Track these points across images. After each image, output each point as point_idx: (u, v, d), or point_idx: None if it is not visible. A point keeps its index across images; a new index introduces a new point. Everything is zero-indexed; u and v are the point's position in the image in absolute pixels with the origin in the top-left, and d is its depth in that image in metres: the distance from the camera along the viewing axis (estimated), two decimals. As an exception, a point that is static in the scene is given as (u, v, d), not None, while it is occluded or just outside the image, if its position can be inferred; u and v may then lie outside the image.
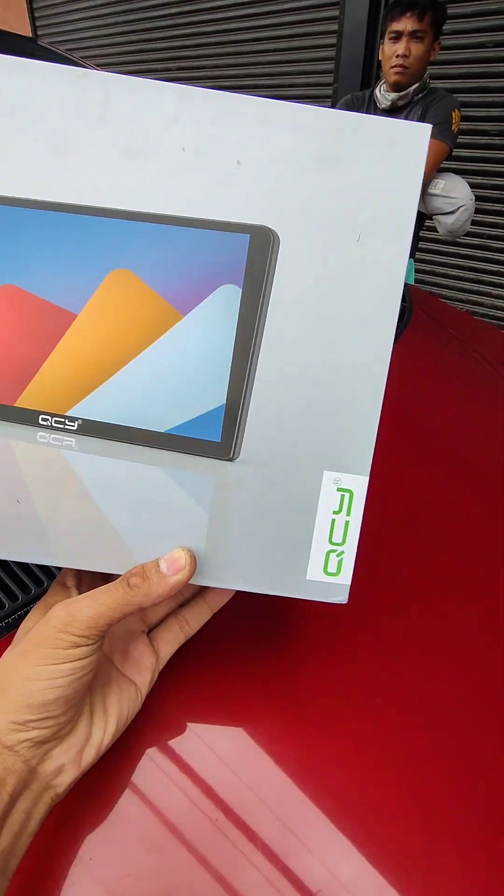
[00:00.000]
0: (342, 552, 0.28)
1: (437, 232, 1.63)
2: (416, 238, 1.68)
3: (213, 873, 0.27)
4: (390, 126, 0.26)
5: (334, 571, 0.28)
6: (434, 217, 1.57)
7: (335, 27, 2.52)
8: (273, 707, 0.33)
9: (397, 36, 1.41)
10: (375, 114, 1.57)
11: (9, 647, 0.28)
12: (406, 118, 1.51)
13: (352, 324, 0.27)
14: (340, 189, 0.26)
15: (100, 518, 0.28)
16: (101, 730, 0.28)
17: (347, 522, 0.28)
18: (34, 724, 0.25)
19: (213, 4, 2.94)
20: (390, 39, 1.43)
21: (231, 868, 0.27)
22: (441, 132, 1.45)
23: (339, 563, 0.28)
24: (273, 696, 0.34)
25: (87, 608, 0.25)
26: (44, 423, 0.27)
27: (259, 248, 0.26)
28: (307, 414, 0.27)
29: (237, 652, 0.35)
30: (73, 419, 0.27)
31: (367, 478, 0.28)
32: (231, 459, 0.27)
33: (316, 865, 0.27)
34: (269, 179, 0.26)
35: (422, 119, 1.48)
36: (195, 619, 0.33)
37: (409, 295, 0.88)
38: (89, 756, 0.27)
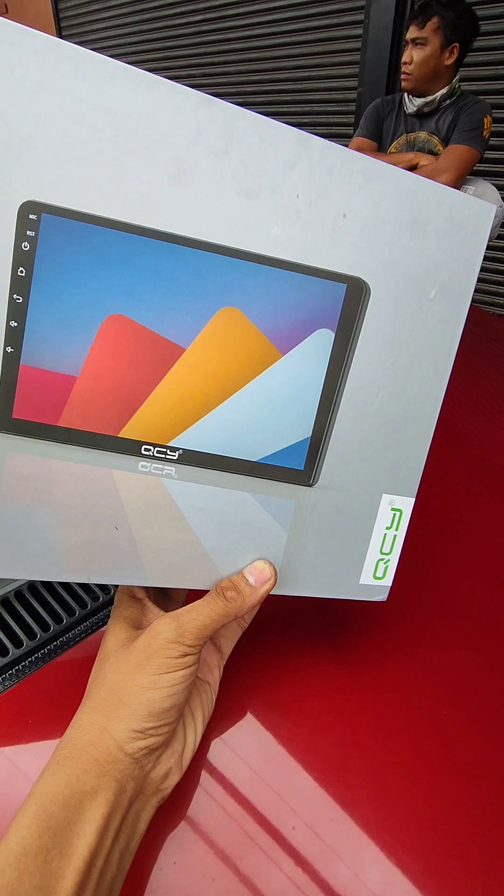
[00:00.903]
0: (388, 560, 0.33)
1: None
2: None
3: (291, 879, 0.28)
4: (463, 200, 0.29)
5: (381, 576, 0.33)
6: (463, 221, 1.57)
7: (360, 31, 2.52)
8: (335, 711, 0.35)
9: (406, 44, 1.46)
10: (404, 118, 1.57)
11: (99, 661, 0.29)
12: (436, 124, 1.51)
13: (418, 370, 0.30)
14: (424, 252, 0.29)
15: (191, 540, 0.30)
16: (193, 732, 0.30)
17: (395, 536, 0.33)
18: (152, 731, 0.27)
19: (237, 11, 2.97)
20: (404, 48, 1.47)
21: (309, 875, 0.28)
22: (472, 138, 1.45)
23: (386, 568, 0.33)
24: (331, 699, 0.35)
25: (195, 620, 0.28)
26: (146, 452, 0.28)
27: (353, 297, 0.28)
28: (373, 445, 0.31)
29: (289, 649, 0.37)
30: (174, 449, 0.28)
31: (414, 499, 0.32)
32: (311, 485, 0.31)
33: (397, 877, 0.29)
34: (367, 234, 0.28)
35: (453, 124, 1.48)
36: (249, 613, 0.35)
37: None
38: (188, 758, 0.29)
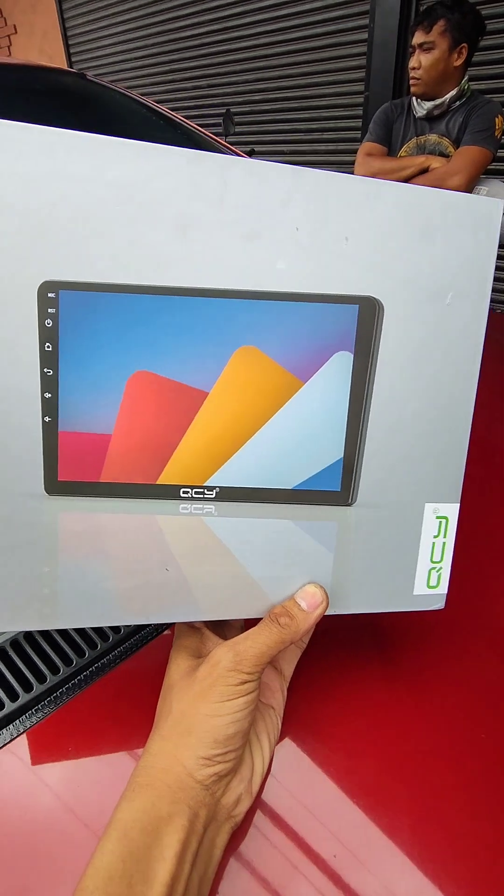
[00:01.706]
0: (441, 567, 0.32)
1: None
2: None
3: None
4: (468, 202, 0.29)
5: (435, 584, 0.33)
6: (476, 222, 1.55)
7: (365, 36, 2.52)
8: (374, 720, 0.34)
9: (413, 50, 1.45)
10: (413, 122, 1.56)
11: (164, 691, 0.30)
12: (446, 126, 1.50)
13: (445, 376, 0.30)
14: (434, 260, 0.29)
15: (240, 573, 0.30)
16: (261, 758, 0.31)
17: (444, 543, 0.32)
18: (219, 757, 0.27)
19: (242, 21, 2.99)
20: (410, 53, 1.47)
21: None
22: (484, 139, 1.43)
23: (439, 577, 0.33)
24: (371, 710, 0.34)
25: (252, 648, 0.29)
26: (185, 495, 0.29)
27: (366, 316, 0.29)
28: (409, 458, 0.31)
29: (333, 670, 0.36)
30: (211, 488, 0.29)
31: (459, 503, 0.32)
32: (349, 504, 0.31)
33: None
34: (373, 253, 0.28)
35: (464, 126, 1.47)
36: (305, 636, 0.35)
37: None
38: (257, 784, 0.30)
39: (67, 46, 4.22)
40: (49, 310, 0.26)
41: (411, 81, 1.49)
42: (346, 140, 2.84)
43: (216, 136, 1.22)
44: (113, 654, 0.38)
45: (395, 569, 0.32)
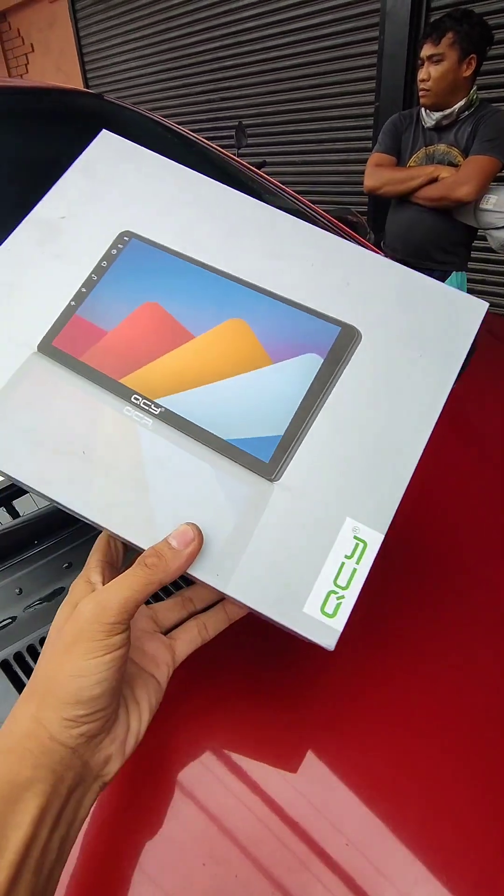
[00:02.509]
0: (343, 596, 0.28)
1: (486, 241, 1.63)
2: (468, 251, 1.67)
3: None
4: (456, 296, 0.35)
5: (330, 613, 0.28)
6: (486, 231, 1.56)
7: (375, 48, 2.55)
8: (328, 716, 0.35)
9: (421, 62, 1.47)
10: (422, 132, 1.59)
11: (42, 650, 0.30)
12: (455, 136, 1.52)
13: (401, 414, 0.32)
14: (414, 323, 0.35)
15: (141, 491, 0.31)
16: (137, 719, 0.30)
17: (355, 570, 0.29)
18: (85, 718, 0.26)
19: (254, 36, 3.04)
20: (418, 66, 1.49)
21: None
22: (493, 148, 1.45)
23: (337, 606, 0.28)
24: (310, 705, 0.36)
25: (116, 594, 0.27)
26: (134, 401, 0.33)
27: (345, 338, 0.34)
28: (348, 465, 0.31)
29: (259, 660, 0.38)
30: (158, 406, 0.32)
31: (383, 536, 0.30)
32: (272, 480, 0.31)
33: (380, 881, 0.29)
34: (364, 300, 0.35)
35: (472, 135, 1.48)
36: (213, 625, 0.34)
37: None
38: (131, 745, 0.29)
39: (83, 63, 4.32)
40: (118, 245, 0.37)
41: (421, 93, 1.51)
42: (356, 150, 2.87)
43: (228, 148, 1.25)
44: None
45: (291, 570, 0.29)
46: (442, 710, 0.36)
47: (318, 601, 0.28)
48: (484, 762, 0.34)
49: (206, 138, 1.20)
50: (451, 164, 1.55)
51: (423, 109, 1.57)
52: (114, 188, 0.38)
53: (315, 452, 0.31)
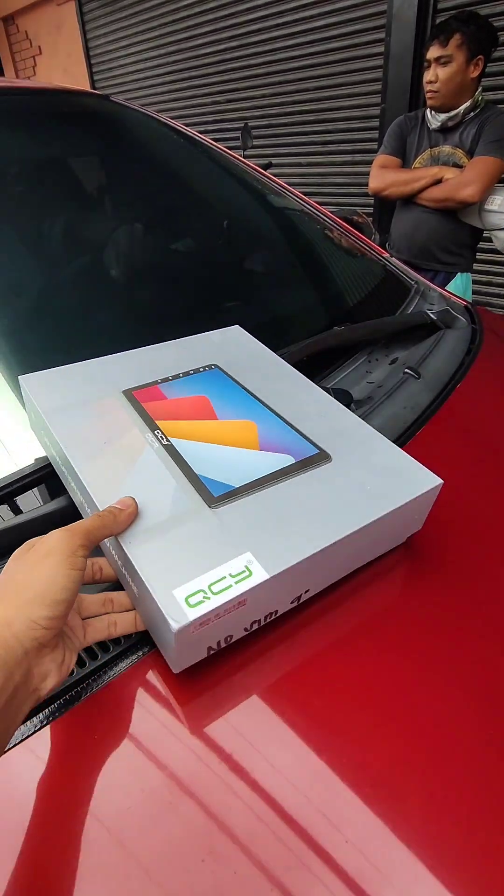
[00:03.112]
0: (209, 597, 0.34)
1: (491, 242, 1.63)
2: (474, 252, 1.67)
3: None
4: (418, 470, 0.44)
5: (192, 604, 0.34)
6: (491, 232, 1.56)
7: (381, 50, 2.56)
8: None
9: (428, 64, 1.47)
10: (427, 133, 1.59)
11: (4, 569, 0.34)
12: (460, 137, 1.52)
13: (327, 512, 0.40)
14: (373, 472, 0.44)
15: (124, 473, 0.42)
16: (68, 657, 0.34)
17: (230, 586, 0.34)
18: (46, 622, 0.31)
19: (260, 38, 3.05)
20: (425, 68, 1.49)
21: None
22: (497, 148, 1.45)
23: (199, 602, 0.34)
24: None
25: (81, 525, 0.35)
26: (155, 433, 0.46)
27: (318, 457, 0.44)
28: (272, 525, 0.39)
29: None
30: (167, 440, 0.45)
31: (268, 577, 0.35)
32: (210, 507, 0.40)
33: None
34: (349, 447, 0.46)
35: (477, 136, 1.48)
36: (121, 626, 0.39)
37: (477, 316, 0.89)
38: (65, 672, 0.33)
39: (90, 66, 4.34)
40: (203, 369, 0.55)
41: (428, 95, 1.51)
42: (362, 152, 2.87)
43: (234, 149, 1.26)
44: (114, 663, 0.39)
45: (186, 562, 0.36)
46: (445, 709, 0.36)
47: (187, 592, 0.34)
48: (486, 760, 0.34)
49: (211, 139, 1.20)
50: (455, 165, 1.55)
51: (428, 111, 1.57)
52: (224, 351, 0.58)
53: (253, 508, 0.40)
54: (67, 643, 0.35)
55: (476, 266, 1.75)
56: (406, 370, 0.70)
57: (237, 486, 0.41)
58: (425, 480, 0.43)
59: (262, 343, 0.60)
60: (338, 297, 0.94)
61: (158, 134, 1.11)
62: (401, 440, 0.60)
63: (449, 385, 0.70)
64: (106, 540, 0.39)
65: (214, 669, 0.38)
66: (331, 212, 1.15)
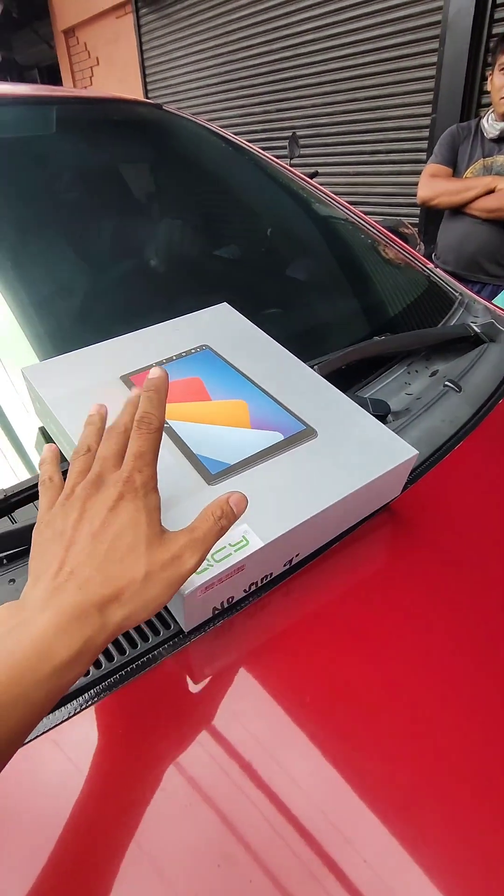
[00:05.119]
0: (212, 565, 0.37)
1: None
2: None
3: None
4: (395, 441, 0.47)
5: (198, 571, 0.36)
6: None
7: (434, 59, 2.53)
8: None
9: (490, 71, 1.44)
10: (481, 143, 1.56)
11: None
12: (516, 147, 1.49)
13: (312, 484, 0.43)
14: (356, 446, 0.47)
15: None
16: None
17: (230, 554, 0.38)
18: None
19: (313, 48, 3.07)
20: (500, 71, 1.44)
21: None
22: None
23: (205, 569, 0.37)
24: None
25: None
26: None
27: (304, 433, 0.47)
28: (263, 496, 0.41)
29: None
30: (166, 423, 0.46)
31: (263, 545, 0.39)
32: (209, 484, 0.43)
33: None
34: (335, 422, 0.49)
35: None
36: None
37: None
38: None
39: (144, 75, 4.46)
40: (195, 350, 0.56)
41: (497, 102, 1.47)
42: (410, 162, 2.85)
43: (282, 158, 1.27)
44: (167, 645, 0.40)
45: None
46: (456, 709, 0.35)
47: None
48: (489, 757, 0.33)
49: (259, 148, 1.21)
50: (509, 175, 1.51)
51: (484, 120, 1.54)
52: (214, 331, 0.59)
53: (247, 483, 0.43)
54: None
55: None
56: (446, 383, 0.69)
57: (231, 463, 0.44)
58: (402, 451, 0.46)
59: (288, 348, 0.61)
60: (379, 306, 0.93)
61: (208, 142, 1.13)
62: (437, 454, 0.58)
63: (491, 400, 0.68)
64: None
65: (222, 672, 0.38)
66: (377, 222, 1.14)
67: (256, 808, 0.32)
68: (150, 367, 0.52)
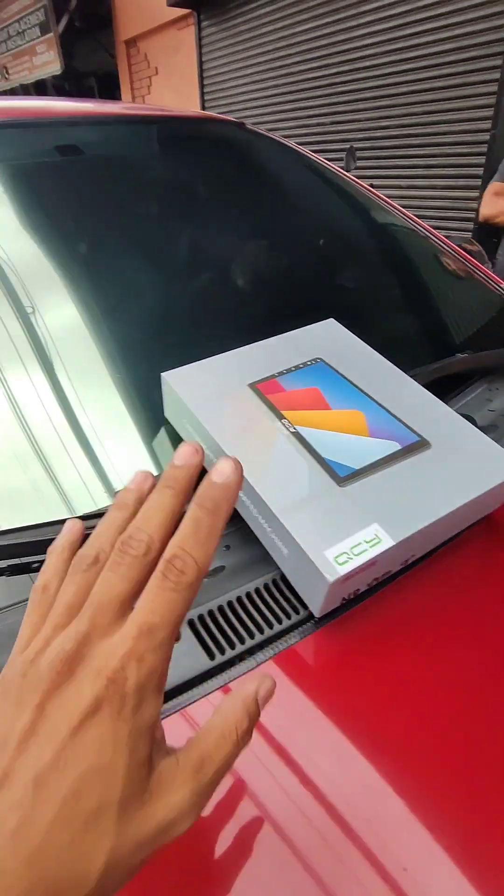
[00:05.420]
0: (352, 558, 0.41)
1: None
2: None
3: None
4: (501, 454, 0.50)
5: (340, 562, 0.41)
6: None
7: (497, 76, 2.54)
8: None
9: None
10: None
11: None
12: None
13: (435, 490, 0.46)
14: (463, 458, 0.49)
15: (261, 459, 0.49)
16: None
17: (365, 550, 0.42)
18: None
19: (371, 63, 3.10)
20: None
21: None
22: None
23: (346, 561, 0.41)
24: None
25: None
26: (283, 423, 0.52)
27: (418, 444, 0.50)
28: (391, 499, 0.45)
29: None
30: (294, 428, 0.51)
31: (394, 544, 0.42)
32: (339, 486, 0.46)
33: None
34: (449, 435, 0.52)
35: None
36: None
37: None
38: None
39: (202, 86, 4.56)
40: (310, 362, 0.60)
41: None
42: (465, 177, 2.85)
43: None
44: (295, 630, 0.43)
45: (328, 529, 0.43)
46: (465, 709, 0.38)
47: (335, 553, 0.41)
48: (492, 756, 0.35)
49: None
50: None
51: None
52: (325, 344, 0.63)
53: (373, 487, 0.46)
54: None
55: None
56: (529, 401, 0.71)
57: (357, 468, 0.47)
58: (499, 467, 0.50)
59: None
60: (454, 323, 0.96)
61: (288, 160, 1.18)
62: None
63: None
64: (254, 509, 0.46)
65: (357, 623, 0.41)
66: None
67: (392, 791, 0.35)
68: (272, 376, 0.57)
